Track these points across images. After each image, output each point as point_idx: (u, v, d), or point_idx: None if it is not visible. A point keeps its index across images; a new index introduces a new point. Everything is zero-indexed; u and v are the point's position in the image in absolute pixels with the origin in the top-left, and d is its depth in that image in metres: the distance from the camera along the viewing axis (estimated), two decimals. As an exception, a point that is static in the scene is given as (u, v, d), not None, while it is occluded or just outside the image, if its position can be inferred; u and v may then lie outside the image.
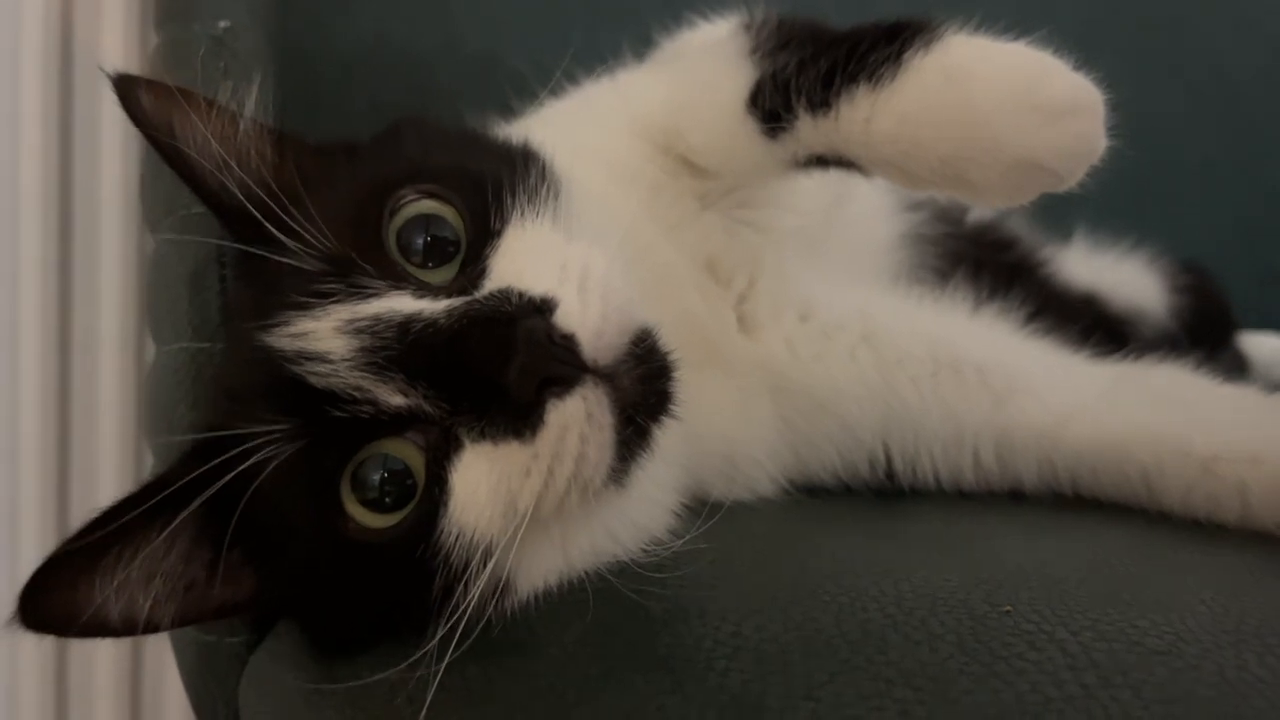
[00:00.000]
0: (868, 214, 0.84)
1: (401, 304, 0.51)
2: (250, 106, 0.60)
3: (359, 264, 0.52)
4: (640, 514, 0.59)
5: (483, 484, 0.50)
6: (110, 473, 1.16)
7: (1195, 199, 1.48)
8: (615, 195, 0.67)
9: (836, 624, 0.47)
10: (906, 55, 0.56)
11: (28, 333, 1.13)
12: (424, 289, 0.52)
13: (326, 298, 0.51)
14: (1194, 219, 1.45)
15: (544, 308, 0.50)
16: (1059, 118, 0.53)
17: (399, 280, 0.52)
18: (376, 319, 0.50)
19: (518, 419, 0.49)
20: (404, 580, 0.51)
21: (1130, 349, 0.81)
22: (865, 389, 0.71)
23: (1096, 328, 1.00)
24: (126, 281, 1.14)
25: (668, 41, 0.83)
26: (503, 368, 0.48)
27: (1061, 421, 0.70)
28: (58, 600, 0.51)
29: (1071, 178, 0.55)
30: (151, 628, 0.54)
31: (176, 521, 0.52)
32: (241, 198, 0.56)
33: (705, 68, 0.69)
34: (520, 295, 0.50)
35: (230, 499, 0.51)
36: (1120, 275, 1.11)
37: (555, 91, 0.83)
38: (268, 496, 0.51)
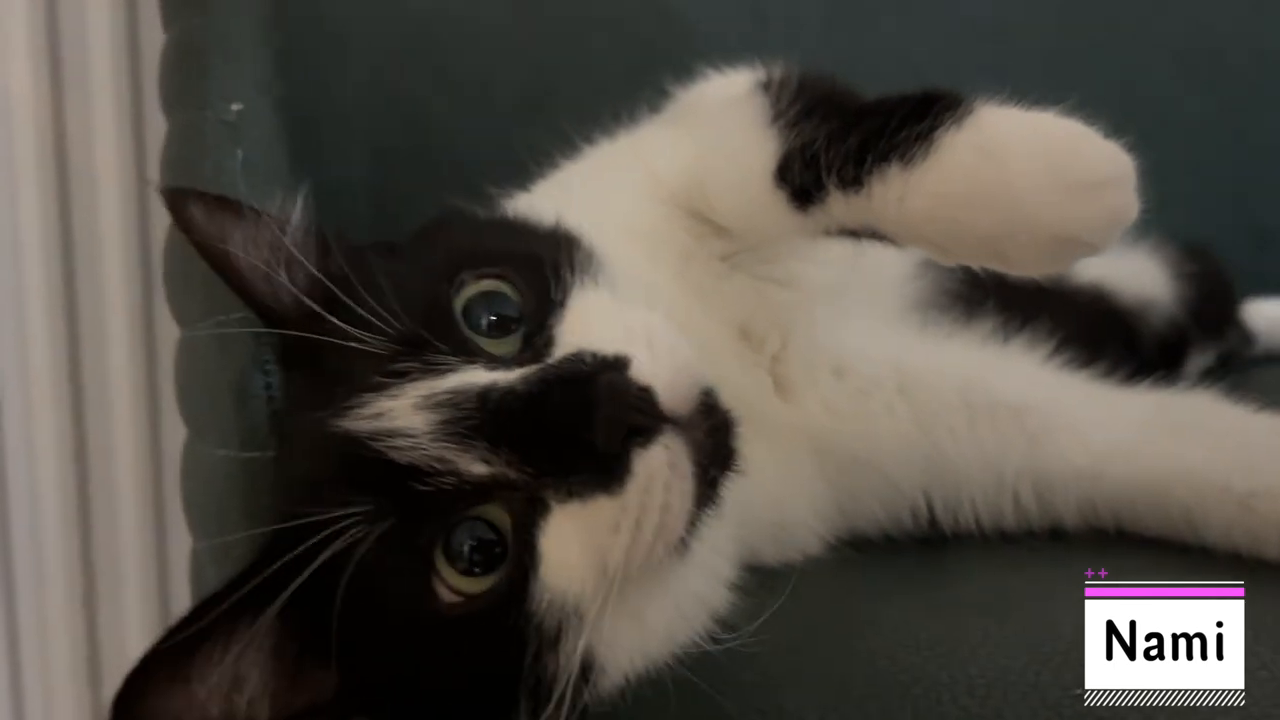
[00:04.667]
0: (888, 250, 0.84)
1: (476, 376, 0.52)
2: (296, 213, 0.61)
3: (432, 342, 0.54)
4: (701, 585, 0.60)
5: (573, 544, 0.51)
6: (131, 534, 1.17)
7: (1184, 163, 1.48)
8: (647, 267, 0.68)
9: (915, 721, 0.48)
10: (938, 132, 0.56)
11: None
12: (495, 361, 0.54)
13: (402, 377, 0.53)
14: (1184, 184, 1.45)
15: (618, 364, 0.51)
16: (1094, 193, 0.54)
17: (471, 355, 0.54)
18: (454, 392, 0.52)
19: (604, 472, 0.50)
20: (493, 651, 0.52)
21: (1159, 369, 0.82)
22: (905, 443, 0.72)
23: (1108, 326, 1.02)
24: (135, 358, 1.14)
25: (681, 92, 0.83)
26: (587, 422, 0.49)
27: (1099, 460, 0.70)
28: (156, 707, 0.51)
29: (1106, 246, 0.55)
30: None
31: (270, 611, 0.52)
32: (297, 294, 0.58)
33: (727, 134, 0.69)
34: (594, 355, 0.52)
35: (313, 591, 0.51)
36: (1126, 266, 1.11)
37: (569, 153, 0.83)
38: (354, 581, 0.51)
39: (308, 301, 0.57)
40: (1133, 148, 0.55)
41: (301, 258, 0.60)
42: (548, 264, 0.58)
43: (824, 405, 0.71)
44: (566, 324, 0.56)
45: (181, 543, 1.08)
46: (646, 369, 0.51)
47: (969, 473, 0.72)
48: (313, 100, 1.11)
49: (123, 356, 1.16)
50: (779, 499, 0.68)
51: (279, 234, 0.60)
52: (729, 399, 0.62)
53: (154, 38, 0.95)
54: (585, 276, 0.59)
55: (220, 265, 0.61)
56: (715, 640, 0.57)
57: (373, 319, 0.54)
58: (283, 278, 0.59)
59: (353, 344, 0.54)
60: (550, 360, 0.53)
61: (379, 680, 0.55)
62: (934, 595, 0.64)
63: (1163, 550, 0.64)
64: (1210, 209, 1.39)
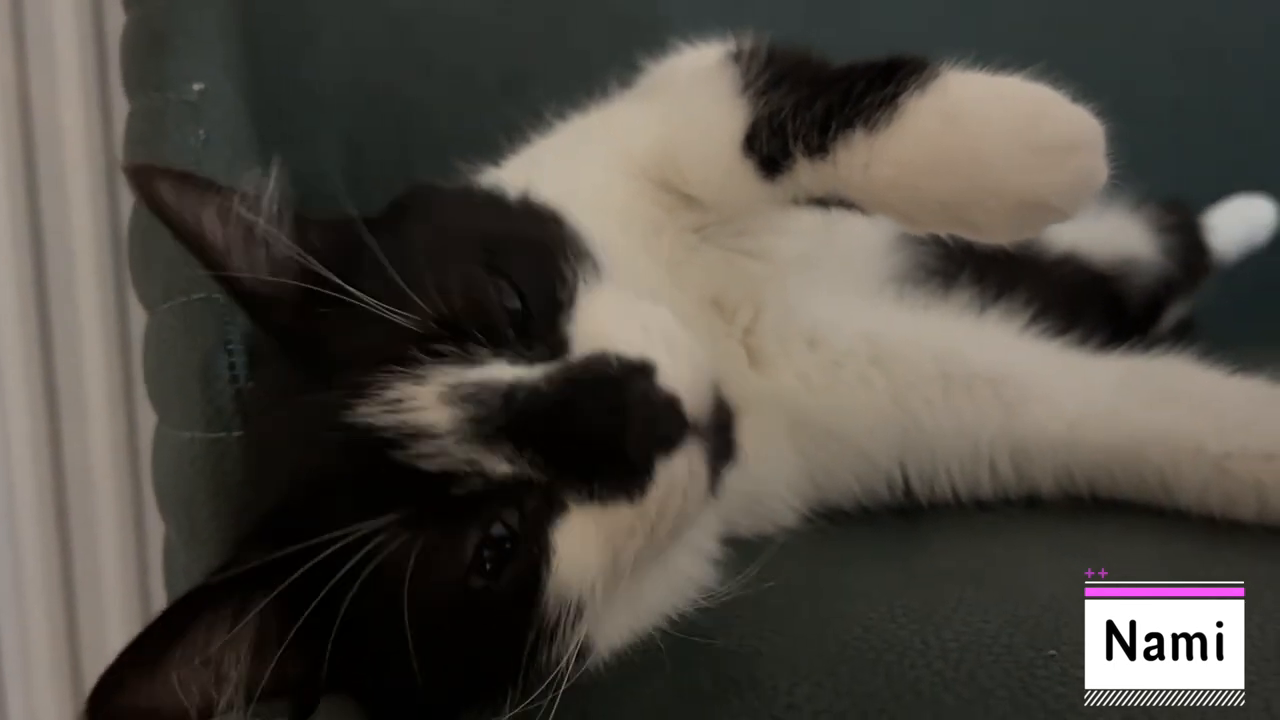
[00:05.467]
0: (862, 222, 0.84)
1: (502, 371, 0.52)
2: (269, 190, 0.59)
3: (469, 330, 0.52)
4: (687, 563, 0.60)
5: (590, 544, 0.51)
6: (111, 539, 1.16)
7: (1168, 142, 1.49)
8: (619, 240, 0.67)
9: (888, 686, 0.48)
10: (902, 98, 0.55)
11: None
12: (518, 355, 0.53)
13: (434, 359, 0.51)
14: (1168, 162, 1.45)
15: (645, 370, 0.51)
16: (1061, 156, 0.53)
17: (498, 346, 0.53)
18: (481, 386, 0.51)
19: (628, 480, 0.51)
20: (495, 640, 0.52)
21: (1139, 326, 0.81)
22: (879, 414, 0.71)
23: (1086, 291, 1.02)
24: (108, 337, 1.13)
25: (653, 66, 0.82)
26: (619, 433, 0.49)
27: (1075, 428, 0.70)
28: (134, 700, 0.50)
29: (1074, 212, 0.54)
30: (220, 712, 0.53)
31: (260, 607, 0.50)
32: (309, 260, 0.55)
33: (698, 105, 0.68)
34: (619, 359, 0.51)
35: (317, 589, 0.50)
36: (1103, 229, 1.11)
37: (540, 128, 0.82)
38: (370, 584, 0.49)
39: (323, 270, 0.54)
40: (1115, 126, 0.54)
41: (282, 237, 0.58)
42: (553, 256, 0.57)
43: (797, 376, 0.71)
44: (580, 319, 0.55)
45: (158, 527, 1.07)
46: (670, 375, 0.51)
47: (945, 443, 0.72)
48: (284, 86, 1.09)
49: (96, 343, 1.15)
50: (753, 472, 0.67)
51: (255, 208, 0.58)
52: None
53: (119, 19, 0.94)
54: (590, 267, 0.58)
55: (195, 243, 0.58)
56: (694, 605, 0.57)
57: (407, 293, 0.52)
58: (265, 253, 0.57)
59: (389, 315, 0.51)
60: (572, 359, 0.53)
61: (373, 667, 0.54)
62: (909, 564, 0.64)
63: (1162, 549, 0.64)
64: (1193, 185, 1.39)
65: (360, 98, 1.14)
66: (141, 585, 1.22)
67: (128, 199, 1.01)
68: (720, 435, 0.54)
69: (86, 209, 1.12)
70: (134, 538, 1.22)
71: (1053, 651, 0.49)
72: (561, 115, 0.82)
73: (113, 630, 1.20)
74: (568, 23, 1.22)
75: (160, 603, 1.20)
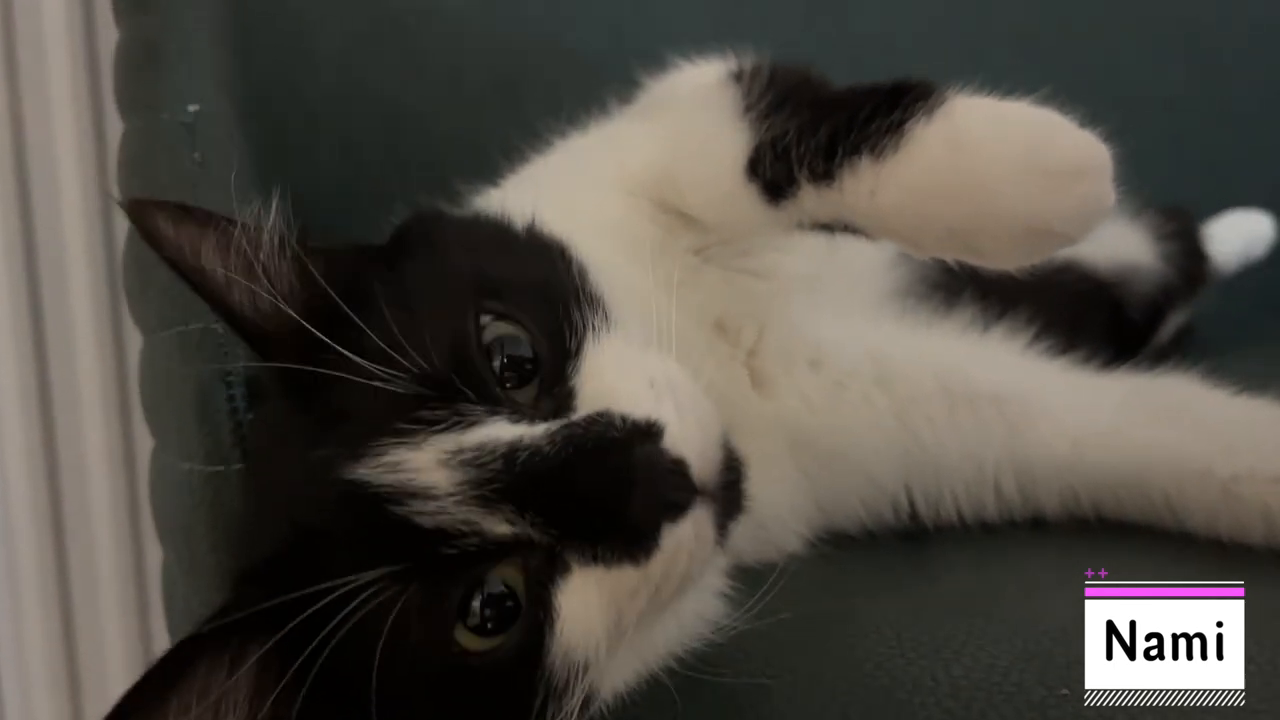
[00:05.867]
0: (864, 242, 0.83)
1: (501, 430, 0.50)
2: (270, 221, 0.57)
3: (461, 389, 0.51)
4: (696, 603, 0.60)
5: (593, 606, 0.51)
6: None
7: (1161, 137, 1.48)
8: (622, 263, 0.66)
9: (899, 728, 0.47)
10: (909, 124, 0.55)
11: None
12: (517, 411, 0.52)
13: (427, 425, 0.50)
14: (1160, 158, 1.45)
15: (651, 433, 0.50)
16: (1068, 182, 0.52)
17: (494, 404, 0.52)
18: (480, 448, 0.50)
19: (632, 544, 0.50)
20: (501, 704, 0.52)
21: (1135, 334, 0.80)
22: (883, 434, 0.71)
23: (1089, 302, 1.01)
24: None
25: (652, 83, 0.81)
26: (624, 499, 0.48)
27: (1080, 448, 0.70)
28: None
29: (1082, 237, 0.54)
30: None
31: (258, 655, 0.50)
32: (294, 316, 0.54)
33: (699, 127, 0.67)
34: (624, 419, 0.50)
35: (313, 640, 0.49)
36: (1103, 237, 1.11)
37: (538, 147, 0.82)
38: (367, 639, 0.49)
39: (306, 325, 0.53)
40: (1108, 123, 0.54)
41: (284, 273, 0.57)
42: (561, 300, 0.56)
43: (801, 398, 0.71)
44: (585, 372, 0.54)
45: (157, 548, 1.06)
46: (678, 437, 0.50)
47: (949, 464, 0.71)
48: (278, 98, 1.09)
49: (91, 360, 1.14)
50: (757, 496, 0.67)
51: (255, 241, 0.57)
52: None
53: (112, 35, 0.93)
54: (598, 316, 0.57)
55: (194, 279, 0.57)
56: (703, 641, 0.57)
57: (391, 352, 0.51)
58: (264, 291, 0.55)
59: (377, 377, 0.50)
60: (575, 418, 0.51)
61: None
62: (917, 593, 0.63)
63: (1162, 551, 0.64)
64: (1186, 181, 1.38)
65: (355, 104, 1.14)
66: (140, 601, 1.22)
67: (122, 220, 1.00)
68: (729, 492, 0.53)
69: (80, 229, 1.11)
70: (131, 550, 1.22)
71: (1065, 691, 0.48)
72: (559, 132, 0.81)
73: (111, 646, 1.20)
74: (560, 26, 1.21)
75: (157, 620, 1.20)
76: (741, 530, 0.65)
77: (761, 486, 0.67)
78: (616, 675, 0.54)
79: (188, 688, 0.50)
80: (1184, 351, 0.76)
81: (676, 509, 0.50)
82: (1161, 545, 0.66)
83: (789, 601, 0.59)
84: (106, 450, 1.16)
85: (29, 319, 1.13)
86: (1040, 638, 0.53)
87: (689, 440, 0.51)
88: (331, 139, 1.13)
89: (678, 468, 0.50)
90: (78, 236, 1.10)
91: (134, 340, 1.14)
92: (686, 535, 0.50)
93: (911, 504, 0.72)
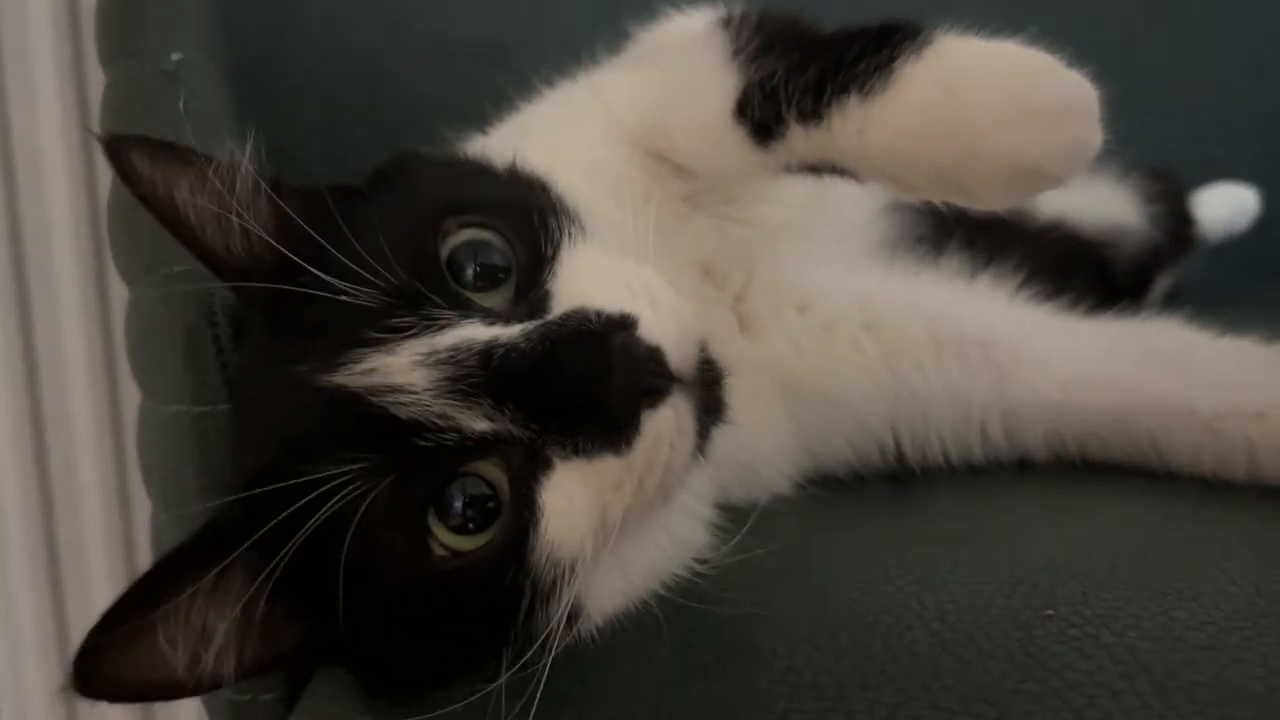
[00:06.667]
0: (852, 188, 0.83)
1: (476, 332, 0.51)
2: (246, 158, 0.57)
3: (427, 296, 0.52)
4: (682, 527, 0.60)
5: (577, 500, 0.51)
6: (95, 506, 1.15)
7: (1145, 104, 1.48)
8: (608, 207, 0.66)
9: (886, 649, 0.47)
10: (898, 63, 0.54)
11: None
12: (491, 315, 0.52)
13: (399, 332, 0.51)
14: (1145, 124, 1.45)
15: (626, 323, 0.51)
16: (1056, 122, 0.52)
17: (466, 308, 0.52)
18: (455, 349, 0.50)
19: (613, 432, 0.50)
20: (487, 605, 0.52)
21: (1128, 296, 0.81)
22: (871, 379, 0.71)
23: (1075, 259, 1.02)
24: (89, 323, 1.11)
25: (642, 33, 0.81)
26: (601, 384, 0.49)
27: (1066, 391, 0.71)
28: (120, 661, 0.50)
29: (1069, 177, 0.54)
30: (215, 684, 0.53)
31: (235, 554, 0.50)
32: (268, 239, 0.55)
33: (687, 72, 0.67)
34: (599, 313, 0.51)
35: (294, 545, 0.50)
36: (1091, 198, 1.11)
37: (526, 94, 0.81)
38: (335, 536, 0.50)
39: (280, 248, 0.54)
40: (1095, 80, 0.54)
41: (260, 207, 0.57)
42: (534, 213, 0.56)
43: (789, 342, 0.71)
44: (561, 278, 0.55)
45: (145, 516, 1.06)
46: (654, 328, 0.51)
47: (936, 407, 0.72)
48: (265, 54, 1.08)
49: (76, 321, 1.13)
50: (746, 439, 0.67)
51: (229, 179, 0.57)
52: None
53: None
54: (573, 227, 0.57)
55: (166, 215, 0.57)
56: (691, 572, 0.57)
57: (360, 270, 0.52)
58: (238, 224, 0.56)
59: (345, 292, 0.51)
60: (551, 316, 0.52)
61: (356, 632, 0.54)
62: (904, 530, 0.64)
63: (1154, 510, 0.64)
64: (1171, 147, 1.39)
65: (340, 65, 1.13)
66: (129, 567, 1.21)
67: (106, 173, 0.99)
68: (708, 391, 0.54)
69: (63, 184, 1.10)
70: (119, 516, 1.21)
71: (1049, 611, 0.49)
72: (550, 83, 0.81)
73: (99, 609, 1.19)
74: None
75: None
76: (729, 469, 0.67)
77: (750, 427, 0.68)
78: (604, 594, 0.54)
79: (174, 601, 0.50)
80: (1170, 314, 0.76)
81: (655, 394, 0.50)
82: (1148, 491, 0.67)
83: (776, 536, 0.60)
84: (93, 409, 1.16)
85: (13, 280, 1.12)
86: (1025, 566, 0.54)
87: (665, 332, 0.51)
88: (317, 99, 1.12)
89: (654, 354, 0.50)
90: (60, 193, 1.09)
91: (119, 300, 1.14)
92: (667, 423, 0.51)
93: (898, 446, 0.73)
